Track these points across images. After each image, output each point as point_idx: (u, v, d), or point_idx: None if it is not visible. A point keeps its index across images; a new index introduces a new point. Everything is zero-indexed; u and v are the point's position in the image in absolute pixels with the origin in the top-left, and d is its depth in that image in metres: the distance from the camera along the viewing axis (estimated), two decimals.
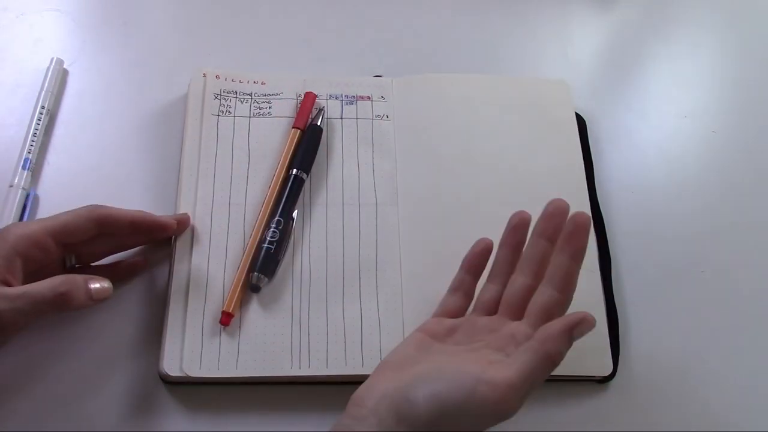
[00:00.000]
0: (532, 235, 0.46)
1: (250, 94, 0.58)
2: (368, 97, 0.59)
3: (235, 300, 0.48)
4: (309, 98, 0.57)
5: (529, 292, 0.44)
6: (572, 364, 0.49)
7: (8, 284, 0.42)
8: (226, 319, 0.48)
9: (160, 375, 0.47)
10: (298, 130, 0.55)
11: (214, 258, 0.50)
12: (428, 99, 0.59)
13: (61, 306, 0.42)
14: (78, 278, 0.42)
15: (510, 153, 0.58)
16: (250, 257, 0.50)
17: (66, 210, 0.46)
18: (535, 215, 0.55)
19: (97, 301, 0.43)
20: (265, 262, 0.50)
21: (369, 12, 0.67)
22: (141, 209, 0.49)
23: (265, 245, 0.50)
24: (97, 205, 0.46)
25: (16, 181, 0.52)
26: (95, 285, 0.43)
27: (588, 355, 0.50)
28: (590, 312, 0.51)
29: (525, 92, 0.61)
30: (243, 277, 0.49)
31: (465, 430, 0.38)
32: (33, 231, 0.44)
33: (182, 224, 0.51)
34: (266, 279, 0.49)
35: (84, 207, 0.46)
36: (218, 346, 0.47)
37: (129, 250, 0.51)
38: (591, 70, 0.67)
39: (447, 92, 0.60)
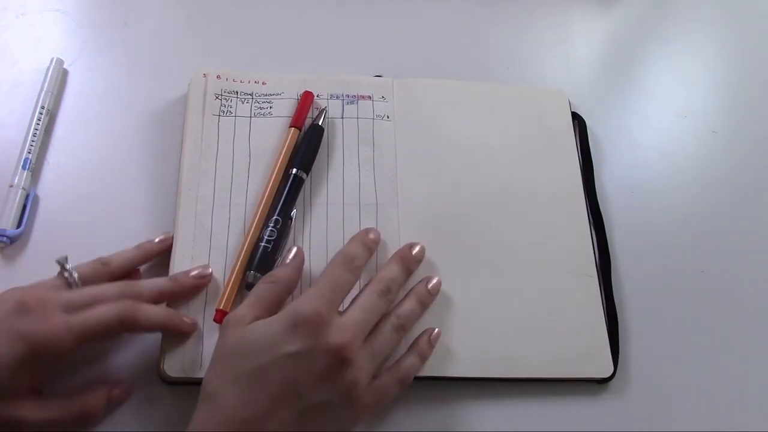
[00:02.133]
0: None
1: (251, 94, 0.58)
2: (369, 97, 0.59)
3: (228, 297, 0.48)
4: (307, 97, 0.57)
5: None
6: (572, 366, 0.50)
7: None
8: (220, 316, 0.48)
9: (160, 375, 0.47)
10: (296, 130, 0.55)
11: (214, 258, 0.50)
12: (429, 102, 0.59)
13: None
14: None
15: (508, 159, 0.58)
16: (247, 256, 0.50)
17: (66, 209, 0.45)
18: (533, 218, 0.55)
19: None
20: (262, 261, 0.49)
21: (369, 12, 0.67)
22: (141, 212, 0.49)
23: (263, 244, 0.50)
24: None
25: (16, 181, 0.52)
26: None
27: (588, 356, 0.50)
28: (588, 316, 0.51)
29: (524, 100, 0.61)
30: (239, 276, 0.49)
31: None
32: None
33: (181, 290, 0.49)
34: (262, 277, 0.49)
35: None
36: None
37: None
38: (591, 71, 0.67)
39: (447, 96, 0.60)
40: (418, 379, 0.48)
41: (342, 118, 0.58)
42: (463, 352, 0.49)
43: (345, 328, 0.42)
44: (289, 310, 0.42)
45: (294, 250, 0.47)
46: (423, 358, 0.48)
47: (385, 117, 0.58)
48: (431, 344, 0.48)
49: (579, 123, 0.61)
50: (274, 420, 0.39)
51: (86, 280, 0.45)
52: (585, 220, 0.56)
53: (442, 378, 0.49)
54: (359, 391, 0.41)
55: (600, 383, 0.51)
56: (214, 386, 0.40)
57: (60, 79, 0.58)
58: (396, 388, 0.45)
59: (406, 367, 0.46)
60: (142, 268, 0.51)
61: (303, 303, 0.42)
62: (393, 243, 0.53)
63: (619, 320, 0.53)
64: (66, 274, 0.45)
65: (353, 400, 0.41)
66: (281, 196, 0.52)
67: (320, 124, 0.56)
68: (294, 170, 0.53)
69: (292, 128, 0.55)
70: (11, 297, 0.42)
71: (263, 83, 0.58)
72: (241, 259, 0.50)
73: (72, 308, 0.42)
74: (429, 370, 0.48)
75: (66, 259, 0.46)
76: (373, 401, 0.43)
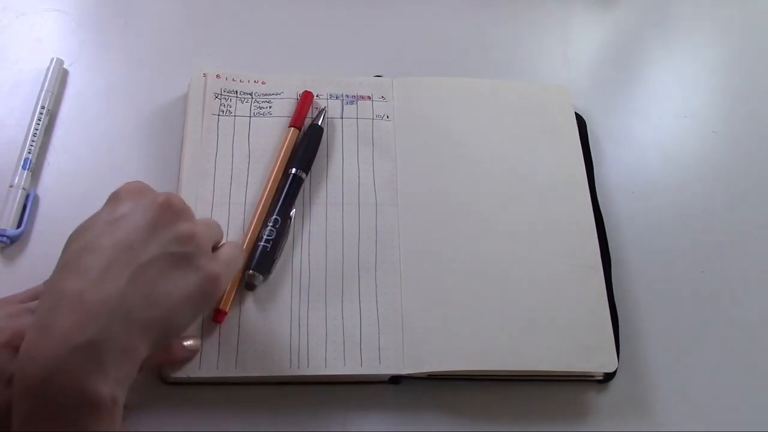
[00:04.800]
0: None
1: (251, 94, 0.58)
2: (369, 97, 0.59)
3: (227, 296, 0.48)
4: (306, 97, 0.57)
5: None
6: (577, 359, 0.50)
7: None
8: (218, 316, 0.48)
9: (160, 375, 0.47)
10: (296, 129, 0.56)
11: None
12: (428, 101, 0.59)
13: None
14: None
15: (510, 155, 0.58)
16: (246, 255, 0.50)
17: (66, 209, 0.45)
18: (537, 212, 0.55)
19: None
20: (261, 260, 0.50)
21: (369, 12, 0.67)
22: None
23: (262, 243, 0.50)
24: None
25: (16, 181, 0.53)
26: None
27: (592, 350, 0.50)
28: (593, 309, 0.51)
29: (525, 97, 0.61)
30: (238, 275, 0.49)
31: None
32: None
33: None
34: (261, 277, 0.49)
35: None
36: (217, 346, 0.47)
37: None
38: (591, 70, 0.67)
39: (447, 95, 0.60)
40: (416, 377, 0.48)
41: (341, 118, 0.58)
42: (468, 346, 0.49)
43: (167, 193, 0.40)
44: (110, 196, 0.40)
45: None
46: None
47: (385, 117, 0.58)
48: None
49: (579, 123, 0.61)
50: (108, 282, 0.35)
51: None
52: (590, 212, 0.56)
53: (444, 374, 0.49)
54: (198, 241, 0.39)
55: (600, 382, 0.51)
56: (50, 280, 0.37)
57: (60, 79, 0.58)
58: (240, 254, 0.44)
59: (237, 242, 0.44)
60: None
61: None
62: (392, 243, 0.53)
63: (619, 319, 0.52)
64: None
65: (196, 255, 0.39)
66: (280, 195, 0.52)
67: (320, 124, 0.56)
68: (293, 170, 0.53)
69: (292, 128, 0.55)
70: (2, 331, 0.40)
71: (263, 83, 0.58)
72: None
73: None
74: (431, 365, 0.48)
75: None
76: (221, 269, 0.41)
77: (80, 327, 0.33)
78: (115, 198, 0.39)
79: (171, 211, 0.39)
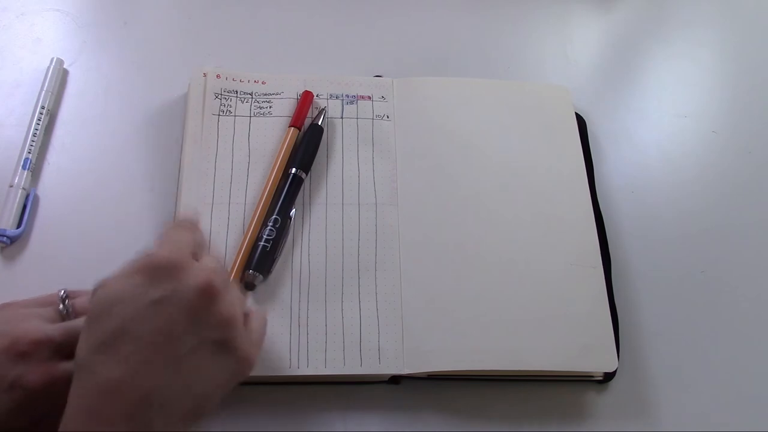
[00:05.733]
0: None
1: (251, 94, 0.58)
2: (369, 97, 0.59)
3: None
4: (306, 97, 0.57)
5: None
6: (576, 359, 0.50)
7: None
8: None
9: None
10: (296, 129, 0.56)
11: None
12: (428, 101, 0.59)
13: None
14: None
15: (510, 155, 0.58)
16: (246, 255, 0.50)
17: (66, 209, 0.45)
18: (538, 211, 0.55)
19: None
20: (261, 260, 0.50)
21: (369, 12, 0.67)
22: (141, 212, 0.49)
23: (261, 243, 0.50)
24: None
25: (16, 181, 0.53)
26: None
27: (593, 349, 0.50)
28: (593, 309, 0.51)
29: (526, 96, 0.61)
30: (238, 275, 0.49)
31: None
32: None
33: None
34: (261, 277, 0.49)
35: None
36: None
37: None
38: (591, 70, 0.67)
39: (447, 94, 0.60)
40: (416, 377, 0.48)
41: (342, 118, 0.58)
42: (468, 346, 0.49)
43: (204, 267, 0.38)
44: (142, 261, 0.38)
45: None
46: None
47: (385, 117, 0.58)
48: None
49: (579, 123, 0.61)
50: (148, 374, 0.35)
51: (82, 314, 0.43)
52: (590, 212, 0.56)
53: (444, 374, 0.49)
54: (236, 324, 0.38)
55: (600, 383, 0.51)
56: (82, 356, 0.36)
57: (60, 79, 0.58)
58: (264, 328, 0.44)
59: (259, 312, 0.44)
60: None
61: (154, 252, 0.38)
62: (392, 243, 0.53)
63: (618, 319, 0.52)
64: (62, 309, 0.43)
65: (233, 339, 0.38)
66: (280, 195, 0.52)
67: (320, 123, 0.56)
68: (293, 170, 0.53)
69: (292, 128, 0.56)
70: (4, 336, 0.40)
71: (263, 83, 0.58)
72: (240, 258, 0.50)
73: (68, 350, 0.40)
74: (431, 365, 0.48)
75: (66, 297, 0.44)
76: (254, 350, 0.40)
77: (121, 417, 0.34)
78: (151, 272, 0.37)
79: (211, 295, 0.37)
